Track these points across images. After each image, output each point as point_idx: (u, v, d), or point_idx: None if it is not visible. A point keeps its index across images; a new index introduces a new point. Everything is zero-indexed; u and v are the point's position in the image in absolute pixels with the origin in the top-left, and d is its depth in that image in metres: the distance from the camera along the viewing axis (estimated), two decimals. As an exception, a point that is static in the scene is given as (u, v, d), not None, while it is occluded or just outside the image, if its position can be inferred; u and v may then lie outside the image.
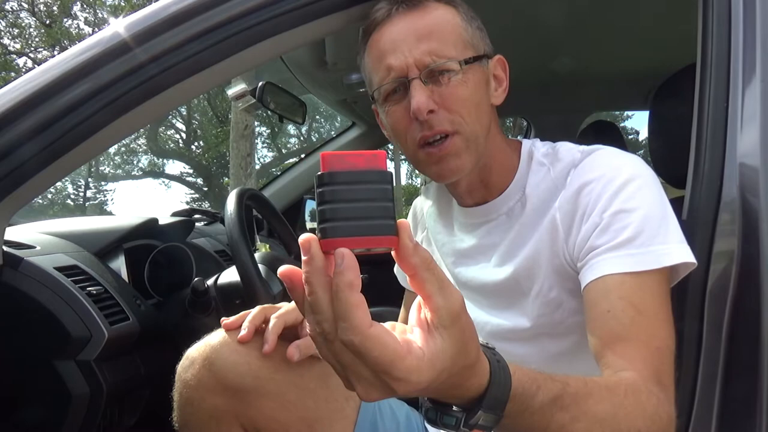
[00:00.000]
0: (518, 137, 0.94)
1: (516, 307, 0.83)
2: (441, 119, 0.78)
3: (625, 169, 0.74)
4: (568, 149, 0.82)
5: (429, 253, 0.44)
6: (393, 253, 0.43)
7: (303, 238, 0.42)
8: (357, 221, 0.40)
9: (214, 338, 0.88)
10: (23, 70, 15.74)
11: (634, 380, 0.62)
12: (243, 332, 0.85)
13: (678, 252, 0.70)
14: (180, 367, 0.90)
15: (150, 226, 1.56)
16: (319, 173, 0.42)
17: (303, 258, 0.42)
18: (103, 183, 23.42)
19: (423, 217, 1.02)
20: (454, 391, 0.48)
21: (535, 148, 0.85)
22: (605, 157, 0.78)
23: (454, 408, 0.50)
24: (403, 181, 23.64)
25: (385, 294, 1.19)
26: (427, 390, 0.45)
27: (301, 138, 23.01)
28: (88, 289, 1.15)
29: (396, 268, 1.08)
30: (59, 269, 1.13)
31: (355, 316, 0.40)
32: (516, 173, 0.84)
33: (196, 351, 0.89)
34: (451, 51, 0.78)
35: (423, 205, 1.03)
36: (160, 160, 22.53)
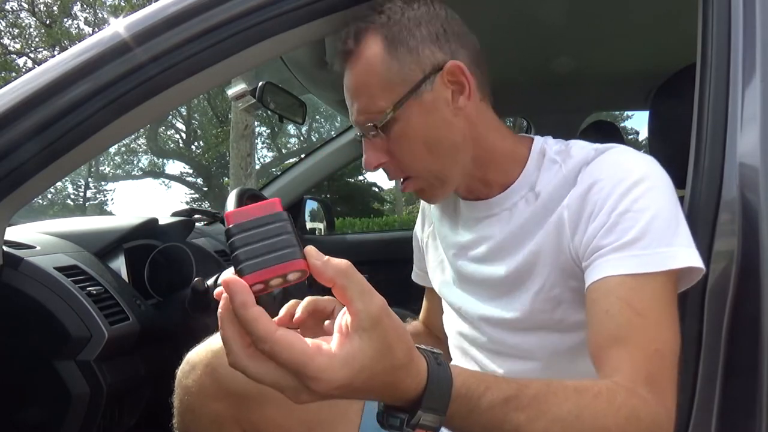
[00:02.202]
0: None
1: (516, 300, 0.82)
2: (392, 169, 0.82)
3: (637, 169, 0.73)
4: (581, 147, 0.81)
5: (345, 263, 0.47)
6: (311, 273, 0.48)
7: (223, 280, 0.46)
8: (264, 256, 0.46)
9: (216, 343, 0.88)
10: (23, 70, 15.74)
11: (614, 383, 0.61)
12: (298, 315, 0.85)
13: (684, 256, 0.68)
14: (180, 372, 0.89)
15: (150, 226, 1.56)
16: (226, 228, 0.48)
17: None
18: (103, 183, 23.44)
19: (430, 212, 1.02)
20: (391, 392, 0.49)
21: (547, 145, 0.83)
22: (618, 156, 0.77)
23: (399, 410, 0.52)
24: (403, 181, 23.60)
25: (384, 293, 1.19)
26: (348, 388, 0.46)
27: (301, 138, 23.02)
28: (88, 289, 1.15)
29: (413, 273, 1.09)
30: (59, 269, 1.13)
31: (258, 328, 0.44)
32: (523, 169, 0.83)
33: (197, 356, 0.88)
34: (379, 102, 0.77)
35: None
36: (160, 160, 22.55)
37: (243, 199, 1.29)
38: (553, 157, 0.81)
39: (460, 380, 0.51)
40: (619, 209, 0.71)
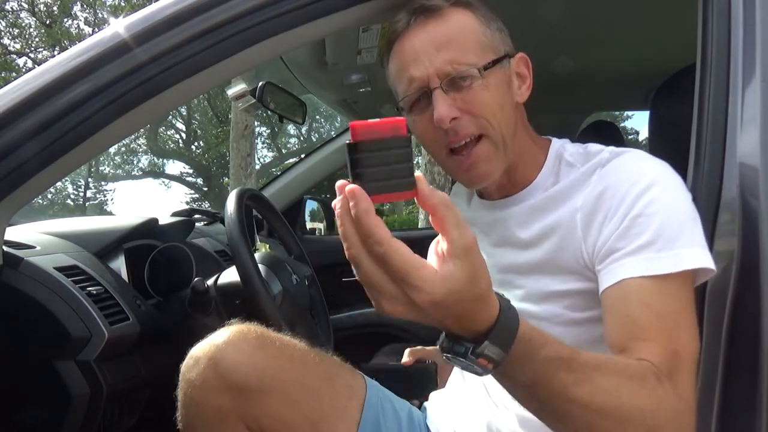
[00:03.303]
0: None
1: (518, 289, 0.85)
2: (465, 124, 0.79)
3: (650, 173, 0.75)
4: (598, 149, 0.83)
5: (447, 196, 0.51)
6: (416, 198, 0.51)
7: (340, 184, 0.51)
8: (385, 181, 0.49)
9: (219, 338, 0.89)
10: (23, 70, 15.74)
11: (646, 367, 0.63)
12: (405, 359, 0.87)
13: (698, 257, 0.69)
14: (184, 366, 0.90)
15: (150, 226, 1.56)
16: (350, 142, 0.49)
17: (337, 200, 0.51)
18: (103, 183, 23.42)
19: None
20: (467, 319, 0.54)
21: (564, 149, 0.86)
22: (632, 160, 0.79)
23: (465, 339, 0.56)
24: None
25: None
26: (440, 305, 0.51)
27: (301, 138, 23.02)
28: (88, 289, 1.15)
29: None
30: (59, 269, 1.13)
31: (377, 232, 0.49)
32: (540, 171, 0.85)
33: (200, 350, 0.89)
34: (470, 57, 0.79)
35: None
36: (160, 160, 22.52)
37: (243, 199, 1.29)
38: (569, 159, 0.83)
39: (525, 326, 0.56)
40: (633, 213, 0.72)
